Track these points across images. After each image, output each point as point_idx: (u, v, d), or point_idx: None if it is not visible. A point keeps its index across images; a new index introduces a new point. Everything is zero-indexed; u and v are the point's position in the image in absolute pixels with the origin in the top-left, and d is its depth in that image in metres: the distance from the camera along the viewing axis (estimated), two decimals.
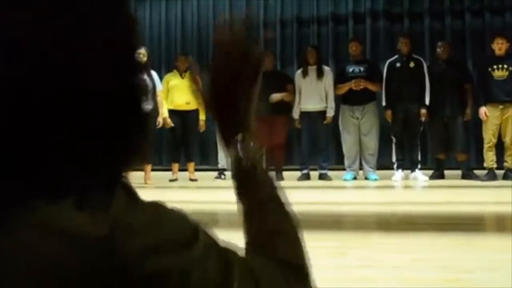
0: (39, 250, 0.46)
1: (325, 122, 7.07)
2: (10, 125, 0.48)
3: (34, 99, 0.48)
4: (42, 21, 0.49)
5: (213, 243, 0.54)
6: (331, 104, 7.05)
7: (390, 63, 7.03)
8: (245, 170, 0.67)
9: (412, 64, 6.90)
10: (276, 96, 6.96)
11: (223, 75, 0.66)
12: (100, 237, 0.46)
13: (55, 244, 0.46)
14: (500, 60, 6.56)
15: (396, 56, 7.05)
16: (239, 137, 0.67)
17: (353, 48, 7.13)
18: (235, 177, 0.69)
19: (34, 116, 0.48)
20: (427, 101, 6.75)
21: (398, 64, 6.94)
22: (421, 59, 7.02)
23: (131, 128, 0.53)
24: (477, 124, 6.97)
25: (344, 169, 7.22)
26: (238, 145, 0.67)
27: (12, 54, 0.49)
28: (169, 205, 0.55)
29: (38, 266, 0.46)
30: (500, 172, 6.62)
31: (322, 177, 7.09)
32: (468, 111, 6.74)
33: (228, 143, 0.68)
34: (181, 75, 7.32)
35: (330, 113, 7.05)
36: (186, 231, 0.52)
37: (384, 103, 6.95)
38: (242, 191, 0.68)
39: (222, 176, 7.50)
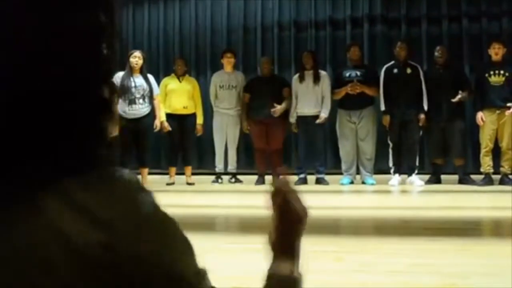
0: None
1: (317, 121, 7.01)
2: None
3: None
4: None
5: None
6: (327, 106, 7.03)
7: (387, 68, 7.03)
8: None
9: (409, 71, 6.91)
10: (279, 110, 7.02)
11: (283, 228, 0.84)
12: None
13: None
14: (496, 66, 6.58)
15: (392, 62, 7.05)
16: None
17: (355, 53, 7.13)
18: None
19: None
20: (425, 107, 6.76)
21: (395, 70, 6.94)
22: (417, 65, 7.03)
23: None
24: (474, 129, 6.99)
25: (341, 173, 7.21)
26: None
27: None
28: (166, 209, 0.56)
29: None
30: (497, 177, 6.63)
31: (319, 181, 7.09)
32: (464, 95, 6.63)
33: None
34: (178, 79, 7.33)
35: (325, 113, 7.02)
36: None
37: (382, 108, 6.95)
38: None
39: (219, 180, 7.49)
